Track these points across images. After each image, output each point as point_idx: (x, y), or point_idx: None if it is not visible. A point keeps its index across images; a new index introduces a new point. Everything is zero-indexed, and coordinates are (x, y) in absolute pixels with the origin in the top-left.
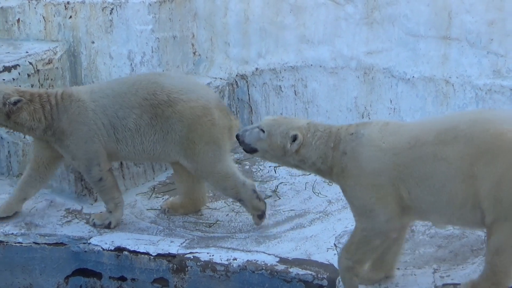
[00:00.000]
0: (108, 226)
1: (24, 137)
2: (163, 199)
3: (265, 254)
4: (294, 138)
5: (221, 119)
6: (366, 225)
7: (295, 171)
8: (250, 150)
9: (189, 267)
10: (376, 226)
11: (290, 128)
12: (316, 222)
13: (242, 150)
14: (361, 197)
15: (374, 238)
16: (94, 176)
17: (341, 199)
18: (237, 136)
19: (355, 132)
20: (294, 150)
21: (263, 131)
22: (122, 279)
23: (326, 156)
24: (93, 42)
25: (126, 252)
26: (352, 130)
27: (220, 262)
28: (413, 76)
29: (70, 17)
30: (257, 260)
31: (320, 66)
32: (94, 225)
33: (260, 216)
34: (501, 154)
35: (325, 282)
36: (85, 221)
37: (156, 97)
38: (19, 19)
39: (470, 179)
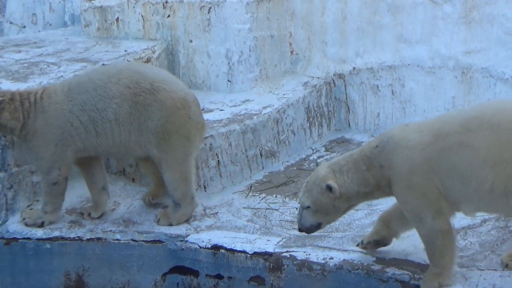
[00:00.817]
0: (41, 225)
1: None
2: (260, 197)
3: (361, 254)
4: (330, 188)
5: (197, 115)
6: (421, 230)
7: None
8: (316, 228)
9: (285, 266)
10: (428, 228)
11: (320, 182)
12: None
13: None
14: (407, 201)
15: (434, 238)
16: (50, 179)
17: None
18: (300, 229)
19: (379, 143)
20: (338, 196)
21: (308, 207)
22: (219, 277)
23: (366, 180)
24: (191, 41)
25: (223, 250)
26: (375, 143)
27: (317, 261)
28: None
29: (168, 16)
30: (354, 260)
31: (418, 66)
32: (25, 224)
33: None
34: None
35: None
36: None
37: (139, 85)
38: (118, 18)
39: (500, 165)
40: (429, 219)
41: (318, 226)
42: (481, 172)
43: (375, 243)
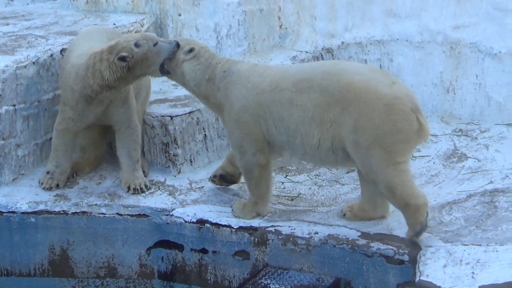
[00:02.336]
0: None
1: None
2: None
3: (346, 229)
4: (190, 50)
5: None
6: (241, 161)
7: None
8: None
9: (270, 240)
10: (248, 161)
11: (190, 43)
12: None
13: None
14: (233, 132)
15: (253, 170)
16: None
17: (424, 174)
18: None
19: (228, 70)
20: (181, 60)
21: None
22: (204, 251)
23: (200, 83)
24: (179, 15)
25: (208, 225)
26: (226, 67)
27: (302, 235)
28: (500, 51)
29: None
30: (339, 234)
31: (406, 41)
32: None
33: None
34: (352, 103)
35: (406, 257)
36: (168, 193)
37: None
38: None
39: (327, 124)
40: (250, 153)
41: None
42: (308, 129)
43: (221, 177)
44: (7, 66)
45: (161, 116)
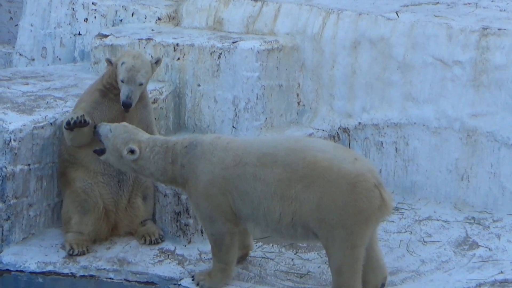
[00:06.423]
0: None
1: None
2: (256, 246)
3: None
4: (132, 151)
5: None
6: (211, 230)
7: (390, 227)
8: (100, 144)
9: None
10: (218, 230)
11: (131, 140)
12: (408, 282)
13: None
14: (200, 204)
15: (223, 238)
16: None
17: (434, 260)
18: (95, 127)
19: (189, 145)
20: (130, 160)
21: (111, 131)
22: None
23: (165, 170)
24: (199, 85)
25: None
26: (186, 143)
27: None
28: None
29: (178, 59)
30: None
31: (423, 125)
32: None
33: None
34: (316, 181)
35: None
36: (177, 262)
37: None
38: None
39: (287, 200)
40: (220, 222)
41: (101, 151)
42: (270, 203)
43: None
44: (24, 126)
45: None
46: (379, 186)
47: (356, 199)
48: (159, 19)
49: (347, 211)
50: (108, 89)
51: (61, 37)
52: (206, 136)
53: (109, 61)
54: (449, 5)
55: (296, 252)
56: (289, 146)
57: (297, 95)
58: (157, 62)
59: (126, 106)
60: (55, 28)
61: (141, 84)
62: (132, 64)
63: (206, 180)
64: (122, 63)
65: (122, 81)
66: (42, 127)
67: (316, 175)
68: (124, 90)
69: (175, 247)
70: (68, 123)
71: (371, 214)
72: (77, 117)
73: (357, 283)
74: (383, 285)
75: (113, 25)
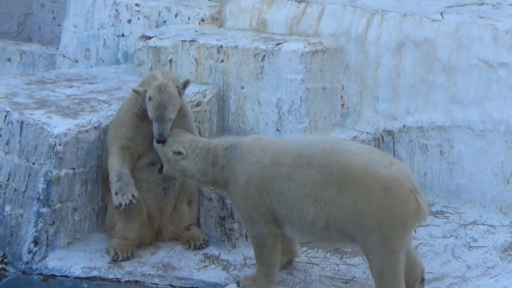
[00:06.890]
0: None
1: None
2: (301, 251)
3: None
4: (178, 153)
5: None
6: (253, 232)
7: (435, 232)
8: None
9: None
10: (259, 231)
11: (175, 142)
12: None
13: None
14: (240, 205)
15: (265, 240)
16: None
17: (480, 266)
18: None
19: (229, 146)
20: (175, 162)
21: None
22: None
23: (206, 171)
24: (242, 88)
25: None
26: (227, 145)
27: None
28: None
29: (222, 61)
30: None
31: (468, 128)
32: None
33: None
34: (351, 184)
35: None
36: (222, 267)
37: None
38: (171, 59)
39: (321, 202)
40: (261, 223)
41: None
42: (304, 205)
43: None
44: (69, 130)
45: None
46: (414, 191)
47: (391, 204)
48: (202, 20)
49: (383, 216)
50: (143, 113)
51: (104, 39)
52: (247, 138)
53: (136, 92)
54: (494, 5)
55: (341, 258)
56: (325, 148)
57: (341, 97)
58: (185, 85)
59: (161, 142)
60: (98, 29)
61: (170, 119)
62: (158, 101)
63: (244, 180)
64: (150, 99)
65: (152, 119)
66: (87, 131)
67: (350, 178)
68: (155, 128)
69: (220, 252)
70: (118, 206)
71: (406, 219)
72: (129, 202)
73: (400, 287)
74: (422, 279)
75: (156, 26)
